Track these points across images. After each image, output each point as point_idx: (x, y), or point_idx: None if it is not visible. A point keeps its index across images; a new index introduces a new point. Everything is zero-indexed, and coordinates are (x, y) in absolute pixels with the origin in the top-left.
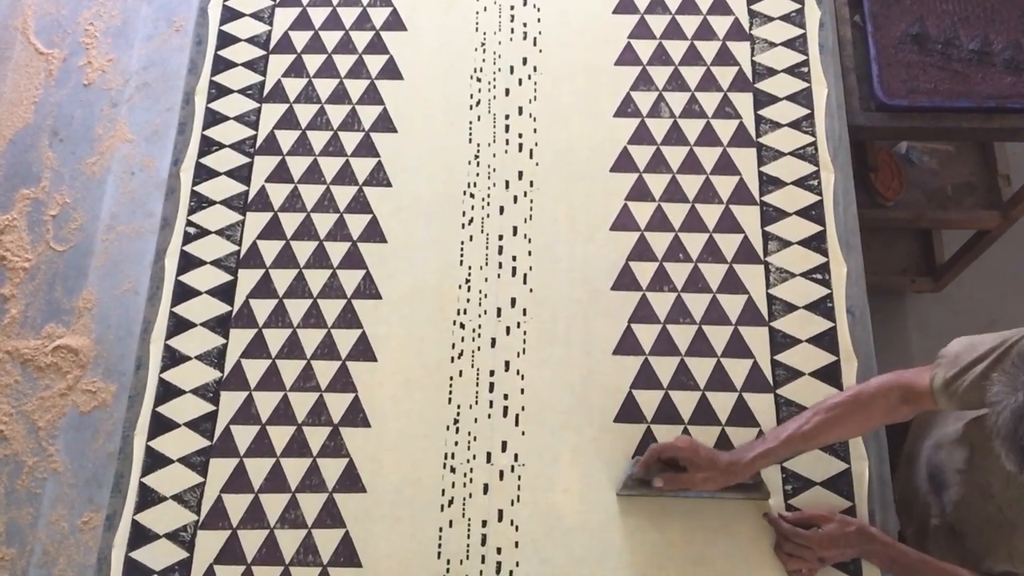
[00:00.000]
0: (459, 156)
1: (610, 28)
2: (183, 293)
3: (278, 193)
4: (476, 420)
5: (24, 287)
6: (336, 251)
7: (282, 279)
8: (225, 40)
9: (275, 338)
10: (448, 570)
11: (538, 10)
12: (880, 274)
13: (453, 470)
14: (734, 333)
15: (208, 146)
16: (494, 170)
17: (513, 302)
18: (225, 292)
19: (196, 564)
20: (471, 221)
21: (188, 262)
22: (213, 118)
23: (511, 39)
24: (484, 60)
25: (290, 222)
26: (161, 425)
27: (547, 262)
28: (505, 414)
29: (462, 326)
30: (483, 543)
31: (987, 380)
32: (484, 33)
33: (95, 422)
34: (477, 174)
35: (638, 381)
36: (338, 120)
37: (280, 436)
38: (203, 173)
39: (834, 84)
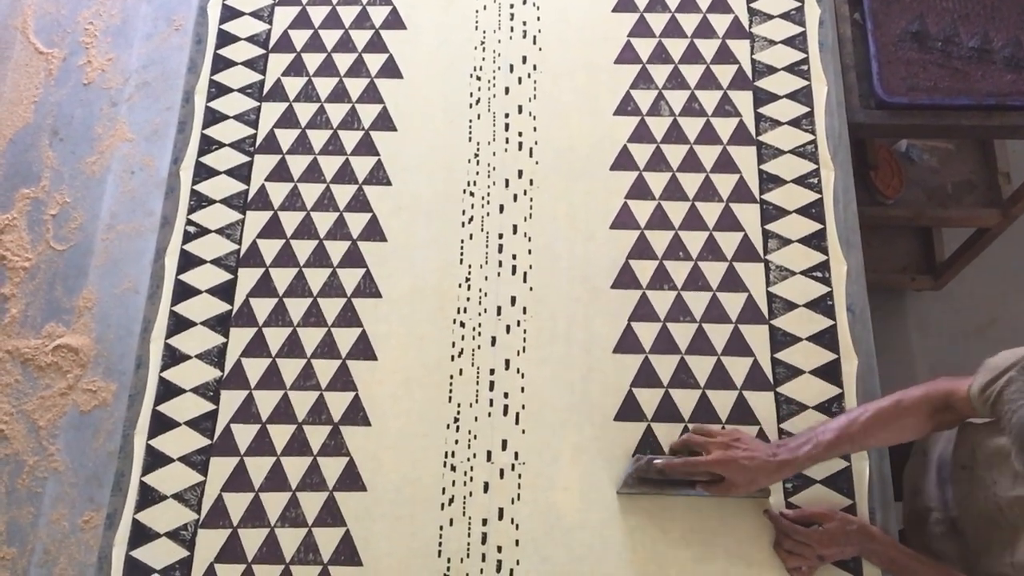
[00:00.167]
0: (459, 155)
1: (610, 26)
2: (183, 292)
3: (278, 192)
4: (476, 419)
5: (24, 286)
6: (336, 250)
7: (282, 278)
8: (225, 39)
9: (275, 337)
10: (448, 568)
11: (537, 8)
12: (880, 272)
13: (453, 468)
14: (734, 331)
15: (208, 145)
16: (494, 168)
17: (513, 300)
18: (225, 291)
19: (197, 563)
20: (471, 220)
21: (188, 261)
22: (213, 117)
23: (511, 37)
24: (484, 58)
25: (290, 221)
26: (161, 424)
27: (547, 260)
28: (505, 413)
29: (462, 325)
30: (483, 542)
31: (1011, 383)
32: (484, 31)
33: (95, 421)
34: (477, 172)
35: (638, 379)
36: (338, 119)
37: (280, 435)
38: (203, 172)
39: (834, 82)
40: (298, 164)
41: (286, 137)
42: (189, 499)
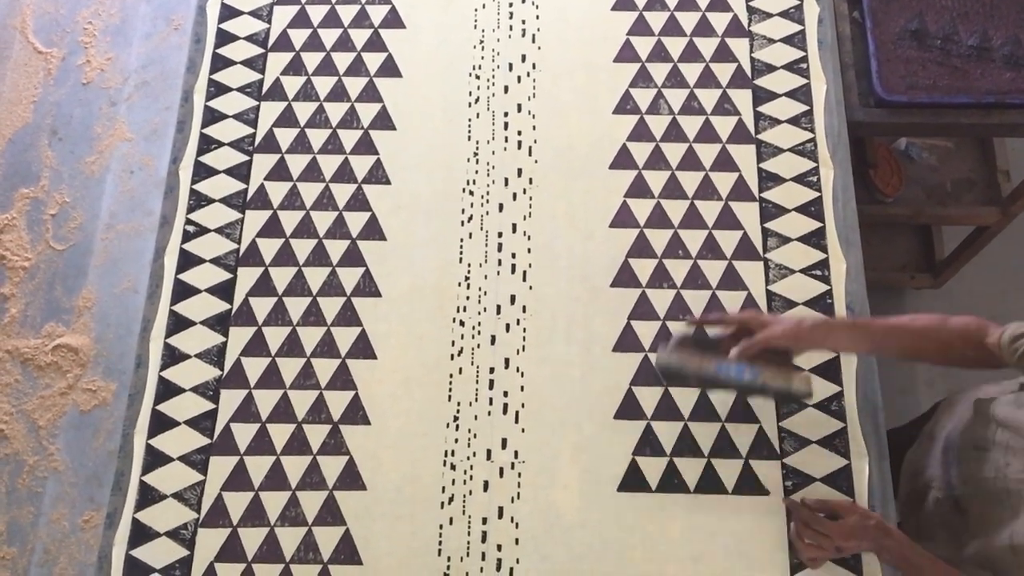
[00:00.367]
0: (458, 153)
1: (609, 25)
2: (182, 291)
3: (277, 191)
4: (476, 417)
5: (24, 286)
6: (335, 249)
7: (281, 277)
8: (224, 38)
9: (275, 336)
10: (448, 567)
11: (537, 7)
12: (879, 270)
13: (453, 467)
14: None
15: (207, 144)
16: (493, 167)
17: (513, 299)
18: (224, 290)
19: (197, 562)
20: (470, 218)
21: (187, 260)
22: (212, 116)
23: (510, 36)
24: (483, 57)
25: (289, 220)
26: (161, 423)
27: (546, 259)
28: (505, 411)
29: (462, 323)
30: (483, 540)
31: None
32: (483, 30)
33: (95, 421)
34: (476, 171)
35: (638, 378)
36: (337, 118)
37: (280, 434)
38: (202, 171)
39: (833, 80)
40: (297, 163)
41: (285, 136)
42: (189, 498)
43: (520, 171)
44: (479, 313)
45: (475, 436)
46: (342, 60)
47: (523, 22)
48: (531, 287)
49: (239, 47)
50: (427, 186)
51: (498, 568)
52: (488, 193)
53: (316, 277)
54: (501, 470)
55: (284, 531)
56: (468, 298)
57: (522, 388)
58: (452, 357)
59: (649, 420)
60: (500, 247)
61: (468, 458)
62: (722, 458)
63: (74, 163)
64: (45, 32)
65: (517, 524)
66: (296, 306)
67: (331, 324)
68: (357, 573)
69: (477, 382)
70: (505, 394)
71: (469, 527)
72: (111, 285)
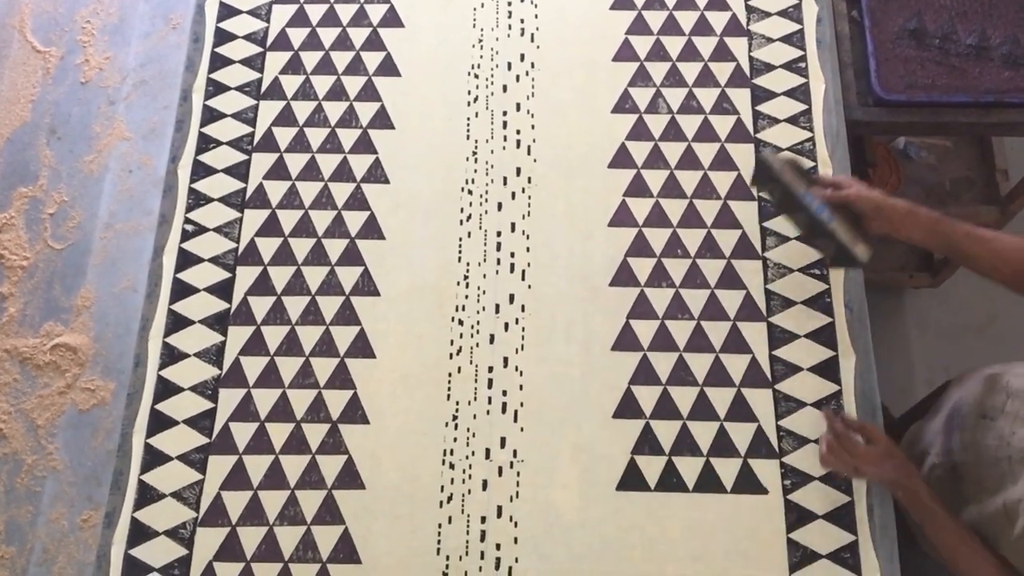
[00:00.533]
0: (457, 153)
1: (607, 24)
2: (181, 290)
3: (276, 190)
4: (475, 416)
5: (22, 285)
6: (334, 248)
7: (280, 276)
8: (222, 37)
9: (274, 335)
10: (447, 566)
11: (535, 6)
12: (878, 270)
13: (452, 466)
14: (732, 329)
15: (206, 143)
16: (492, 166)
17: (512, 298)
18: (223, 289)
19: (195, 561)
20: (469, 218)
21: (186, 259)
22: (210, 115)
23: (509, 35)
24: (482, 56)
25: (288, 219)
26: (160, 422)
27: (545, 258)
28: (504, 410)
29: (461, 323)
30: (482, 539)
31: None
32: (482, 29)
33: (94, 420)
34: (475, 170)
35: (637, 377)
36: (336, 117)
37: (279, 433)
38: (201, 170)
39: (832, 79)
40: (296, 162)
41: (284, 135)
42: (188, 497)
43: (519, 170)
44: (478, 312)
45: (474, 435)
46: (341, 59)
47: (522, 21)
48: (530, 286)
49: (238, 46)
50: (426, 185)
51: (497, 567)
52: (487, 192)
53: (315, 276)
54: (500, 469)
55: (283, 530)
56: (467, 297)
57: (521, 387)
58: (451, 356)
59: (648, 419)
60: (499, 246)
61: (467, 457)
62: (721, 457)
63: (72, 162)
64: (43, 31)
65: (516, 523)
66: (295, 305)
67: (330, 323)
68: (356, 572)
69: (476, 381)
70: (504, 393)
71: (468, 526)
72: (110, 284)
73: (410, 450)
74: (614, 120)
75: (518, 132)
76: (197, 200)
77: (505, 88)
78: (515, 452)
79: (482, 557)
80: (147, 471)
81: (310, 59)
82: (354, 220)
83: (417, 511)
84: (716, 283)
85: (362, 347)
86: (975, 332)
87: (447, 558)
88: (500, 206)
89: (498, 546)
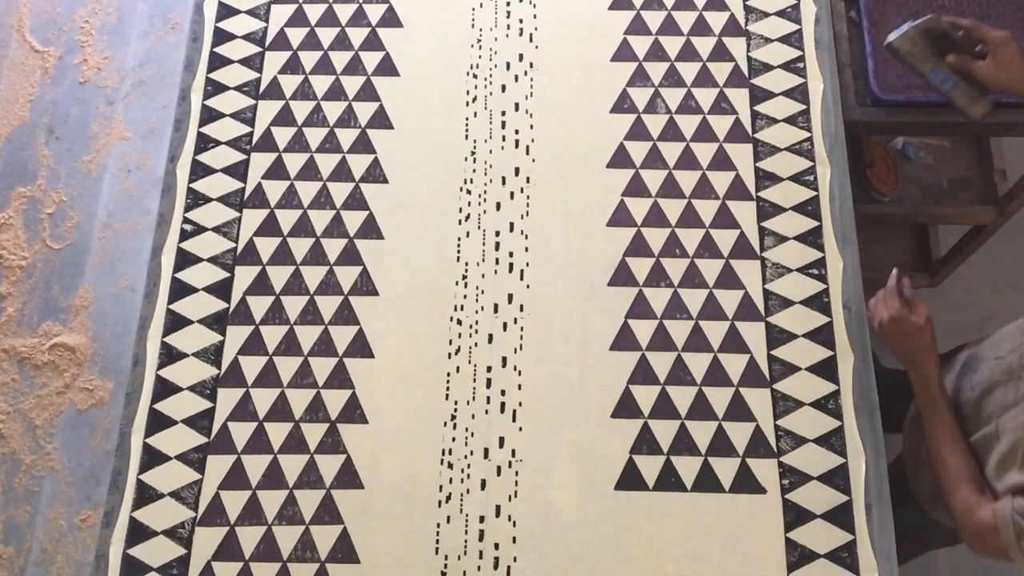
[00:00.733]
0: (456, 152)
1: (606, 24)
2: (180, 290)
3: (274, 190)
4: (473, 416)
5: (21, 285)
6: (333, 248)
7: (279, 276)
8: (221, 37)
9: (272, 335)
10: (446, 566)
11: (534, 6)
12: (876, 269)
13: (451, 466)
14: (730, 328)
15: (204, 143)
16: (491, 166)
17: (510, 298)
18: (222, 289)
19: (194, 561)
20: (468, 217)
21: (185, 259)
22: (209, 115)
23: (507, 35)
24: (480, 56)
25: (287, 219)
26: (158, 422)
27: (544, 258)
28: (502, 410)
29: (459, 322)
30: (481, 539)
31: None
32: (480, 29)
33: (92, 420)
34: (474, 170)
35: (635, 376)
36: (334, 117)
37: (278, 433)
38: (199, 170)
39: (830, 79)
40: (295, 162)
41: (283, 135)
42: (186, 497)
43: (518, 170)
44: (477, 312)
45: (473, 435)
46: (340, 59)
47: (521, 21)
48: (528, 286)
49: (236, 46)
50: (425, 185)
51: (496, 567)
52: (486, 192)
53: (313, 276)
54: (499, 469)
55: (281, 530)
56: (466, 297)
57: (520, 387)
58: (450, 356)
59: (646, 419)
60: (498, 246)
61: (466, 457)
62: (719, 456)
63: (71, 162)
64: (42, 31)
65: (515, 523)
66: (293, 305)
67: (328, 323)
68: (355, 572)
69: (475, 381)
70: (503, 393)
71: (467, 526)
72: (108, 284)
73: (409, 450)
74: (613, 120)
75: (517, 132)
76: (196, 200)
77: (504, 88)
78: (514, 452)
79: (481, 556)
80: (146, 471)
81: (309, 59)
82: (353, 220)
83: (416, 511)
84: (714, 283)
85: (361, 347)
86: (974, 331)
87: (446, 557)
88: (499, 206)
89: (497, 545)
